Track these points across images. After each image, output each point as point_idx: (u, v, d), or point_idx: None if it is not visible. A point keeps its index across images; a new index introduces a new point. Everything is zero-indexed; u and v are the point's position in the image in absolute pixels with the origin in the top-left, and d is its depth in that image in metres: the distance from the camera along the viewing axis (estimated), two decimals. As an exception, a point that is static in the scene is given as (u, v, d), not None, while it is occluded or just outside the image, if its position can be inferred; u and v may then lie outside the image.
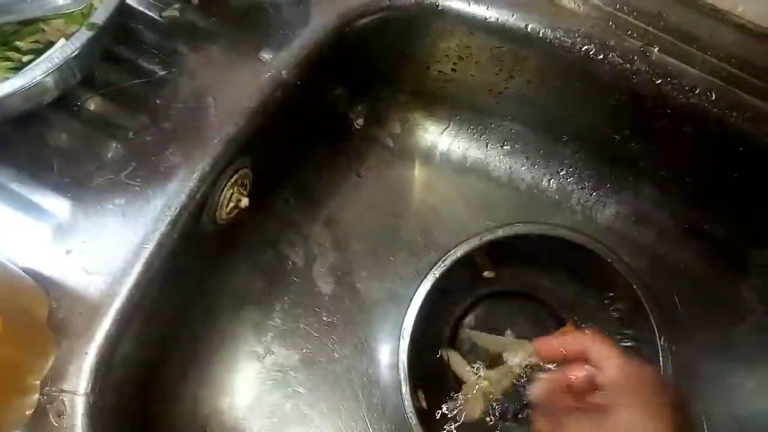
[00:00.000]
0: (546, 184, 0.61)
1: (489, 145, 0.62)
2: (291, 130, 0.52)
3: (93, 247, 0.40)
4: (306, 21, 0.48)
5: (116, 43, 0.45)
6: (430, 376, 0.55)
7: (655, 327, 0.52)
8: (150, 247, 0.40)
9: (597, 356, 0.38)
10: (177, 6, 0.47)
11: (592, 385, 0.38)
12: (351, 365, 0.55)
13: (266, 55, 0.46)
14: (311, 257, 0.58)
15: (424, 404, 0.53)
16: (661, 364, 0.52)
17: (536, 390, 0.41)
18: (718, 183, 0.55)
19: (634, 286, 0.52)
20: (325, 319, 0.56)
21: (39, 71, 0.36)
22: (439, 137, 0.62)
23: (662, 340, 0.51)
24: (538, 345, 0.42)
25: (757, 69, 0.48)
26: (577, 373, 0.39)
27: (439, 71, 0.56)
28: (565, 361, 0.41)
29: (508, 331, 0.58)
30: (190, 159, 0.42)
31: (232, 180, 0.46)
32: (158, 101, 0.44)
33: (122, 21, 0.45)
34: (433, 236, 0.59)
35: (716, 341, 0.56)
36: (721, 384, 0.55)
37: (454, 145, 0.62)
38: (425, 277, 0.54)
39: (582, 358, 0.39)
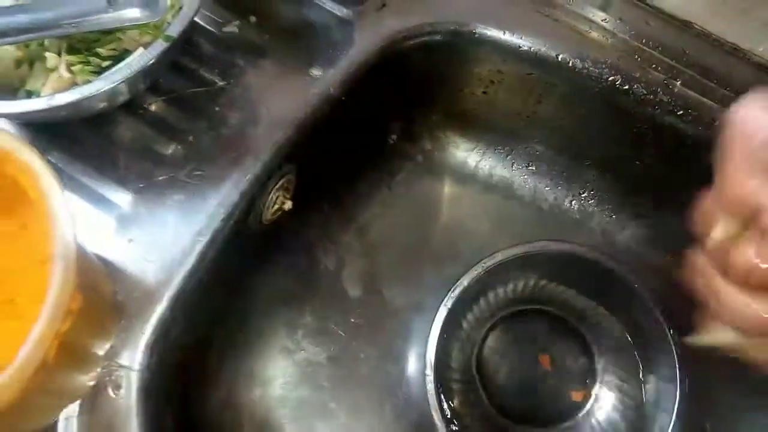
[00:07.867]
0: (568, 204, 0.64)
1: (515, 165, 0.65)
2: (332, 142, 0.55)
3: (152, 238, 0.43)
4: (351, 42, 0.52)
5: (181, 54, 0.49)
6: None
7: (672, 346, 0.53)
8: (204, 241, 0.43)
9: None
10: (236, 23, 0.52)
11: None
12: (376, 366, 0.57)
13: (316, 72, 0.50)
14: (341, 263, 0.62)
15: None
16: (678, 381, 0.52)
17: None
18: (733, 212, 0.57)
19: (651, 306, 0.54)
20: (352, 321, 0.59)
21: (119, 76, 0.40)
22: (467, 155, 0.66)
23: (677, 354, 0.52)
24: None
25: (773, 105, 0.51)
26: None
27: (472, 93, 0.60)
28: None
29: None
30: (242, 162, 0.46)
31: (279, 184, 0.49)
32: (216, 109, 0.48)
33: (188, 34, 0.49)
34: (459, 249, 0.62)
35: (729, 370, 0.57)
36: (734, 416, 0.56)
37: (481, 163, 0.65)
38: (445, 296, 0.55)
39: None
